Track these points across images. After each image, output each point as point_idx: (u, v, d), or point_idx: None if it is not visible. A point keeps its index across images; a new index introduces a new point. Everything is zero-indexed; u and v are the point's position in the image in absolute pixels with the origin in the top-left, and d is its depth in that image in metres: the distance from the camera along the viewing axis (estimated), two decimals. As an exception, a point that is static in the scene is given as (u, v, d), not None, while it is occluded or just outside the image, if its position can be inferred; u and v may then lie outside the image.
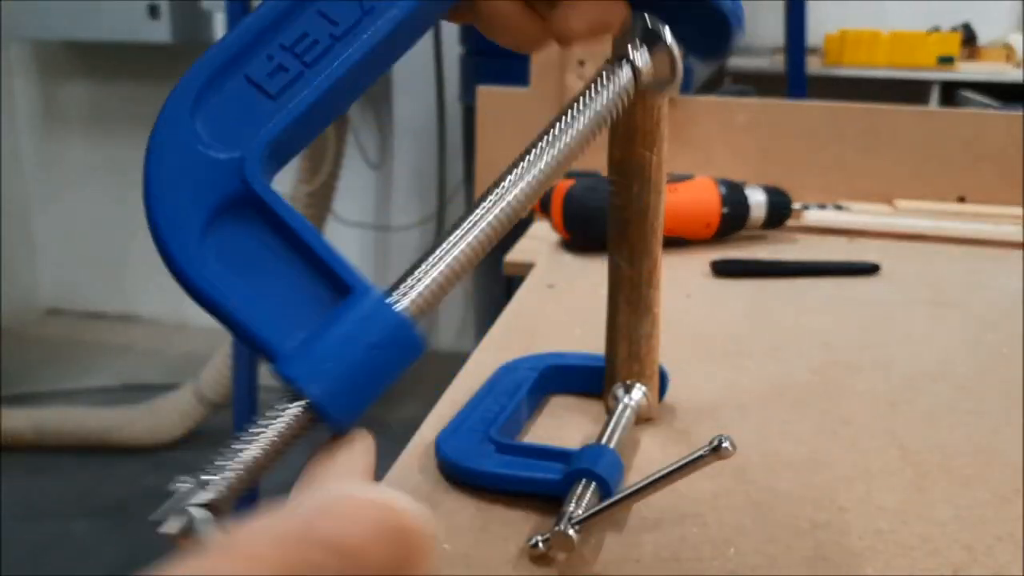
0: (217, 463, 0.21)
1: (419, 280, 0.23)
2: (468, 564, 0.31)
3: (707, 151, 0.90)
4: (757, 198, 0.74)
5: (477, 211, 0.24)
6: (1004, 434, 0.42)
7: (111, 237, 2.55)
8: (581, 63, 0.87)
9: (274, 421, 0.21)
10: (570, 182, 0.71)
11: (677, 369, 0.47)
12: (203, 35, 2.31)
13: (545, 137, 0.24)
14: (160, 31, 2.10)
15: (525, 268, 0.69)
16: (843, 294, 0.63)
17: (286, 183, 1.92)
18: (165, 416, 1.90)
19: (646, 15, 0.25)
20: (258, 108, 0.23)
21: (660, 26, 0.25)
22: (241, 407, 1.78)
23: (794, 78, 1.85)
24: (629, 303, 0.40)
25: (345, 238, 2.31)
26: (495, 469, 0.35)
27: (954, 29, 2.18)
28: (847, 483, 0.37)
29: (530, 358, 0.46)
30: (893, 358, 0.51)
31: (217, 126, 0.23)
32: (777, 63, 2.14)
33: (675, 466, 0.31)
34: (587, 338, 0.53)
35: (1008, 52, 2.16)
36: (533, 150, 0.24)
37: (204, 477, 0.21)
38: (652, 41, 0.26)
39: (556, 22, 0.26)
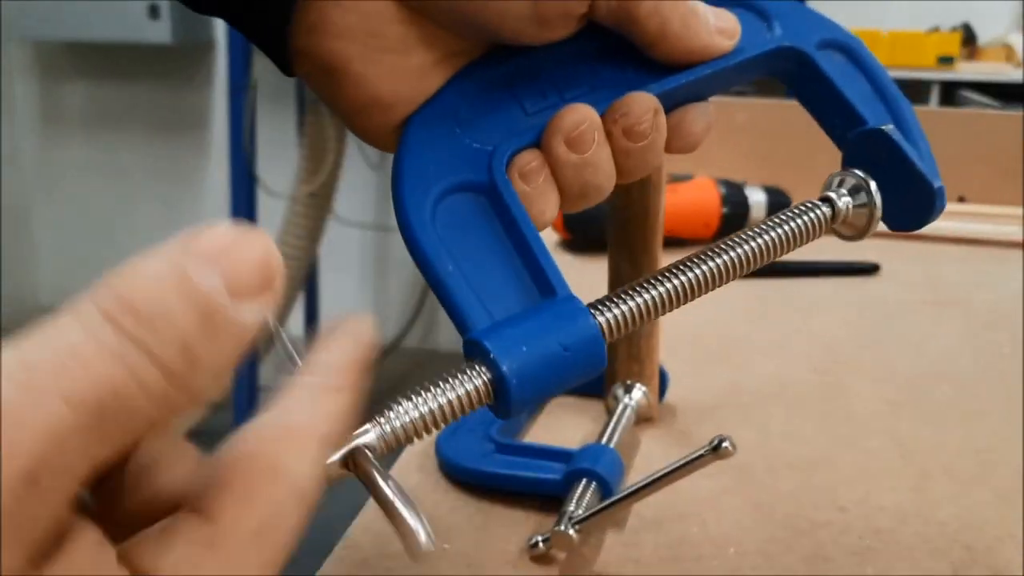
0: (384, 415, 0.21)
1: (618, 303, 0.24)
2: (468, 563, 0.31)
3: (707, 151, 0.90)
4: (757, 198, 0.74)
5: (686, 264, 0.25)
6: (1004, 434, 0.42)
7: (111, 237, 2.55)
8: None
9: (452, 388, 0.22)
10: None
11: (677, 369, 0.47)
12: (203, 35, 2.31)
13: (738, 236, 0.26)
14: (160, 31, 2.10)
15: (525, 268, 0.69)
16: (843, 294, 0.63)
17: (287, 183, 1.92)
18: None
19: (860, 172, 0.27)
20: (515, 121, 0.27)
21: (870, 183, 0.27)
22: (241, 407, 1.78)
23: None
24: (629, 303, 0.40)
25: (345, 238, 2.31)
26: (495, 469, 0.35)
27: (954, 29, 2.18)
28: (847, 483, 0.37)
29: (530, 358, 0.46)
30: (893, 358, 0.51)
31: (477, 123, 0.26)
32: (777, 63, 2.14)
33: (675, 466, 0.31)
34: (587, 338, 0.53)
35: (1008, 52, 2.16)
36: (728, 244, 0.26)
37: (367, 426, 0.21)
38: (858, 193, 0.27)
39: (679, 131, 0.27)
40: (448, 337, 2.48)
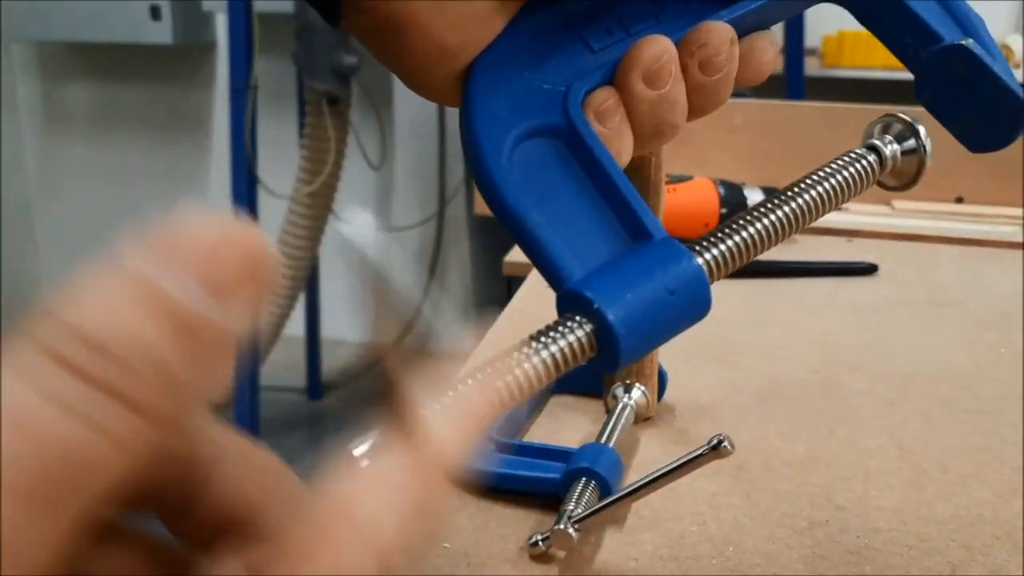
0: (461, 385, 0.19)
1: (719, 243, 0.23)
2: (468, 563, 0.32)
3: (706, 152, 0.90)
4: (756, 199, 0.74)
5: (774, 203, 0.24)
6: (1002, 433, 0.42)
7: (113, 238, 2.55)
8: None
9: (550, 344, 0.20)
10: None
11: (676, 369, 0.48)
12: (204, 36, 2.31)
13: (792, 189, 0.25)
14: (162, 32, 2.10)
15: (525, 268, 0.69)
16: (841, 294, 0.64)
17: (287, 183, 1.92)
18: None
19: (906, 116, 0.26)
20: (582, 59, 0.25)
21: (920, 129, 0.25)
22: (241, 407, 1.78)
23: (792, 79, 1.85)
24: (628, 303, 0.40)
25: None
26: (495, 468, 0.36)
27: (954, 30, 2.18)
28: (845, 482, 0.37)
29: (530, 358, 0.46)
30: (891, 358, 0.52)
31: (544, 64, 0.25)
32: (776, 64, 2.14)
33: (674, 465, 0.31)
34: (587, 338, 0.53)
35: (1007, 53, 2.16)
36: (795, 191, 0.25)
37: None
38: (906, 140, 0.26)
39: (749, 60, 0.26)
40: (448, 337, 2.48)
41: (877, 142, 0.26)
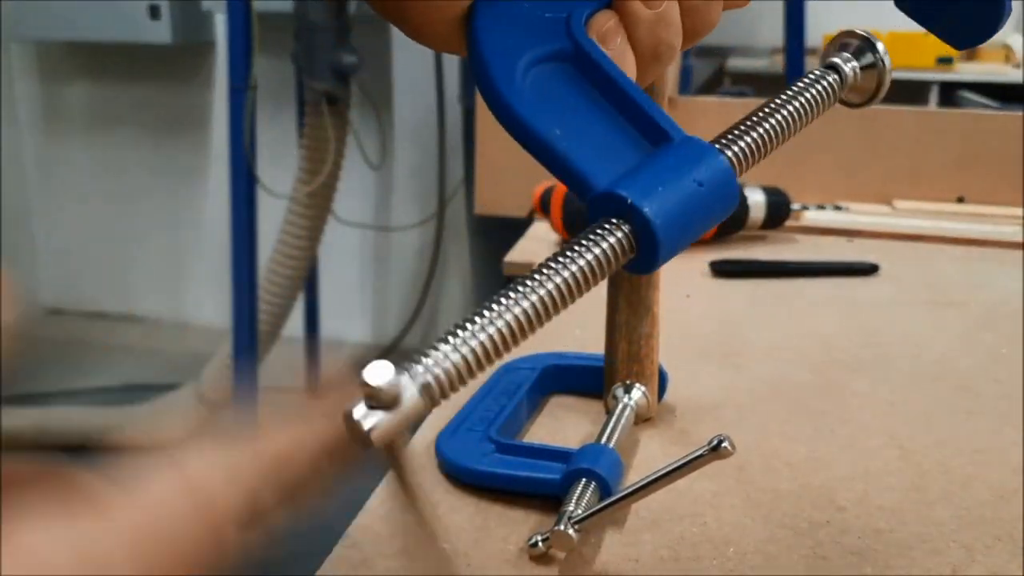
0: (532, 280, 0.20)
1: (740, 137, 0.24)
2: (468, 563, 0.31)
3: (707, 151, 0.90)
4: (756, 198, 0.74)
5: (786, 95, 0.25)
6: (1003, 434, 0.42)
7: (112, 238, 2.55)
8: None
9: (589, 249, 0.21)
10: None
11: (676, 369, 0.48)
12: (203, 36, 2.31)
13: (767, 106, 0.26)
14: (161, 32, 2.10)
15: (525, 268, 0.69)
16: (842, 294, 0.63)
17: (286, 183, 1.92)
18: (166, 416, 1.90)
19: (863, 31, 0.26)
20: None
21: (877, 44, 0.26)
22: (240, 407, 1.77)
23: (793, 79, 1.84)
24: (629, 303, 0.40)
25: (345, 238, 2.31)
26: (495, 469, 0.36)
27: (953, 30, 2.18)
28: (846, 482, 0.37)
29: (530, 358, 0.46)
30: (892, 358, 0.52)
31: None
32: (776, 64, 2.14)
33: (674, 466, 0.31)
34: (587, 338, 0.53)
35: (1007, 53, 2.16)
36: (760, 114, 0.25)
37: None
38: (863, 55, 0.26)
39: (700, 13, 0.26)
40: (448, 337, 2.47)
41: (836, 59, 0.26)
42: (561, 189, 0.71)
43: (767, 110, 0.25)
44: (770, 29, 2.27)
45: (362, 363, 0.19)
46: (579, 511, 0.32)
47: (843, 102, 0.27)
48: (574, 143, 0.23)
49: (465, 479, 0.36)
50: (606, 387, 0.42)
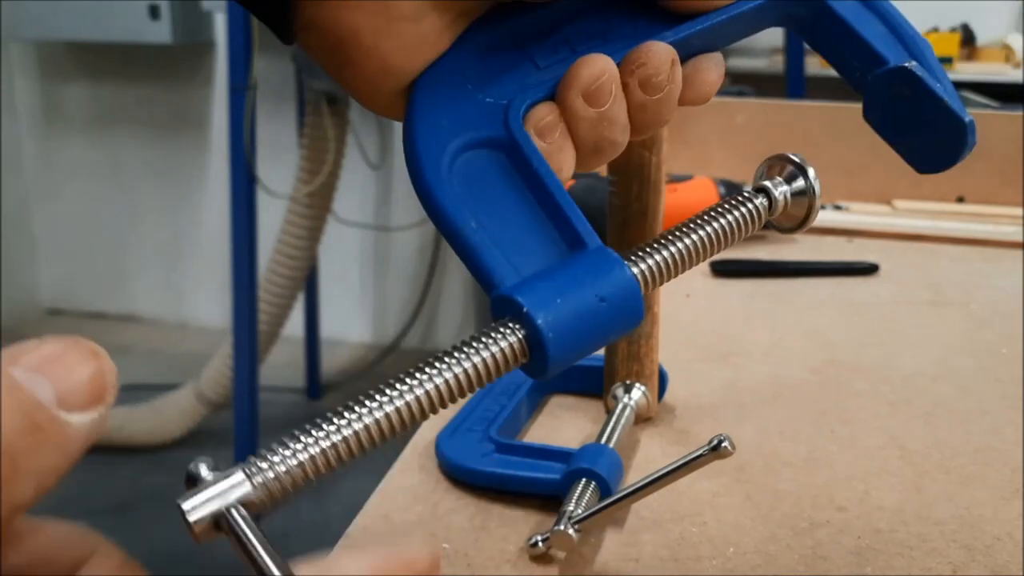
0: (409, 373, 0.20)
1: (652, 254, 0.24)
2: (468, 563, 0.31)
3: (706, 152, 0.90)
4: (756, 198, 0.74)
5: (710, 215, 0.25)
6: (1003, 434, 0.42)
7: (112, 237, 2.55)
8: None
9: (482, 349, 0.21)
10: (569, 182, 0.71)
11: (676, 369, 0.48)
12: (203, 36, 2.31)
13: (685, 227, 0.25)
14: (161, 32, 2.10)
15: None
16: (842, 294, 0.63)
17: (286, 183, 1.92)
18: (166, 416, 1.90)
19: (797, 157, 0.26)
20: (526, 75, 0.26)
21: (808, 169, 0.26)
22: (241, 407, 1.78)
23: (793, 79, 1.85)
24: (629, 303, 0.40)
25: (345, 238, 2.31)
26: (495, 469, 0.36)
27: (953, 30, 2.18)
28: (846, 483, 0.37)
29: (530, 358, 0.46)
30: (892, 358, 0.52)
31: (488, 79, 0.26)
32: (776, 64, 2.14)
33: (674, 466, 0.31)
34: (587, 338, 0.53)
35: (1007, 53, 2.16)
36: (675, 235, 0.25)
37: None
38: (795, 180, 0.26)
39: (693, 82, 0.26)
40: (448, 337, 2.47)
41: (767, 183, 0.26)
42: (561, 189, 0.71)
43: (688, 228, 0.24)
44: (769, 30, 2.27)
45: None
46: (579, 511, 0.32)
47: (772, 225, 0.27)
48: (487, 237, 0.23)
49: (465, 479, 0.36)
50: (606, 387, 0.42)
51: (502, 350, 0.21)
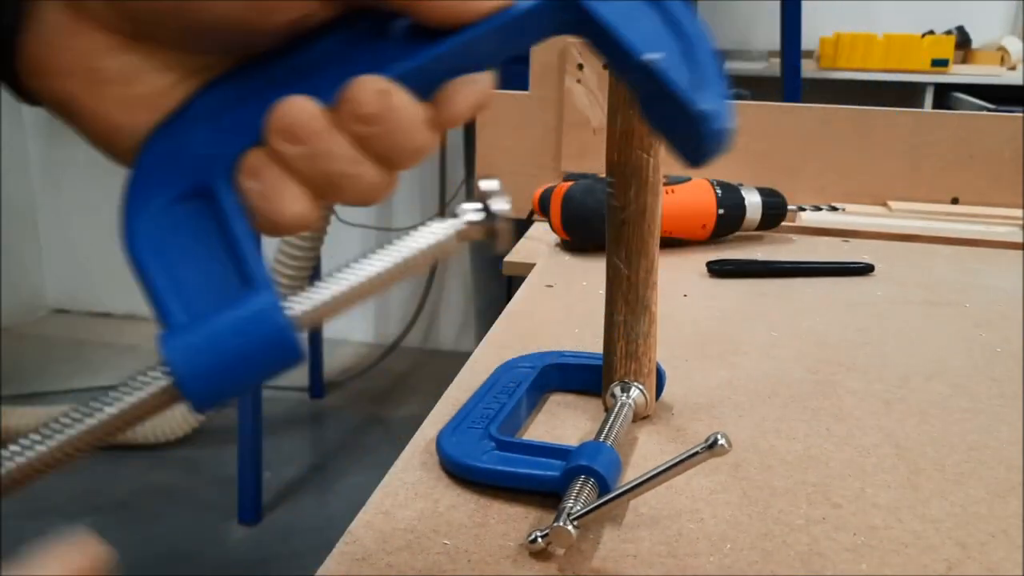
0: (57, 420, 0.22)
1: (317, 293, 0.25)
2: (468, 559, 0.32)
3: (704, 153, 0.90)
4: (753, 199, 0.74)
5: (389, 248, 0.26)
6: (997, 431, 0.42)
7: (117, 238, 2.55)
8: (580, 67, 0.88)
9: (136, 389, 0.23)
10: (569, 184, 0.72)
11: (674, 367, 0.48)
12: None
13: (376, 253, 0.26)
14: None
15: (525, 268, 0.69)
16: (838, 294, 0.64)
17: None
18: (169, 414, 1.90)
19: (487, 181, 0.27)
20: (242, 124, 0.26)
21: (493, 192, 0.26)
22: (244, 405, 1.78)
23: (789, 81, 1.85)
24: (627, 302, 0.41)
25: (347, 239, 2.31)
26: (495, 466, 0.36)
27: (948, 32, 2.18)
28: (841, 480, 0.38)
29: (529, 357, 0.47)
30: (887, 357, 0.52)
31: (212, 130, 0.26)
32: (773, 66, 2.14)
33: (672, 463, 0.31)
34: (585, 337, 0.53)
35: (1003, 55, 2.17)
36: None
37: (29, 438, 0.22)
38: (483, 203, 0.26)
39: (443, 106, 0.26)
40: (449, 336, 2.48)
41: (459, 209, 0.26)
42: (560, 190, 0.71)
43: (365, 266, 0.25)
44: (766, 32, 2.28)
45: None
46: (578, 507, 0.32)
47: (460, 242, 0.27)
48: (170, 282, 0.25)
49: (465, 476, 0.36)
50: (604, 385, 0.42)
51: (152, 391, 0.23)
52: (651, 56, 0.25)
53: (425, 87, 0.26)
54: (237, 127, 0.26)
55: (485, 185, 0.26)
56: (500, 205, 0.26)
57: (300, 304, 0.24)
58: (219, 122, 0.26)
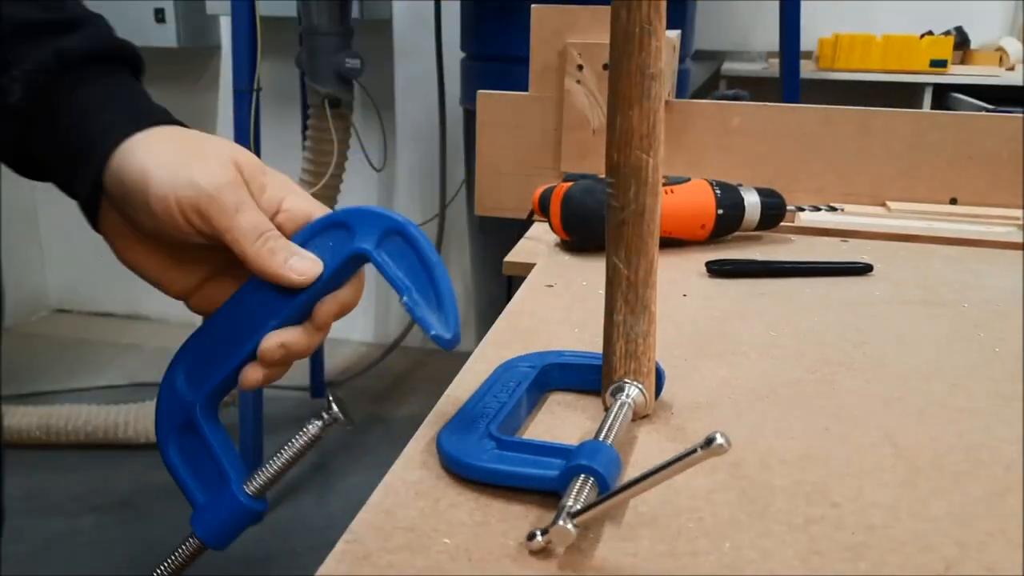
0: None
1: (265, 473, 0.40)
2: (469, 558, 0.32)
3: (702, 154, 0.91)
4: (752, 200, 0.75)
5: (293, 442, 0.41)
6: (995, 431, 0.43)
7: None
8: (580, 68, 0.88)
9: (180, 548, 0.41)
10: (569, 184, 0.72)
11: (673, 367, 0.48)
12: (208, 39, 2.31)
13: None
14: (166, 35, 2.10)
15: (525, 268, 0.70)
16: (837, 294, 0.64)
17: (287, 185, 1.92)
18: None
19: (336, 399, 0.41)
20: (198, 378, 0.42)
21: (338, 407, 0.40)
22: (244, 406, 1.78)
23: (788, 82, 1.86)
24: (626, 302, 0.41)
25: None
26: (495, 465, 0.36)
27: (947, 33, 2.18)
28: (840, 479, 0.38)
29: (529, 356, 0.47)
30: (886, 356, 0.52)
31: (190, 376, 0.42)
32: (772, 67, 2.15)
33: (671, 462, 0.31)
34: (585, 336, 0.54)
35: (1001, 55, 2.17)
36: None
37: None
38: (326, 415, 0.41)
39: (317, 319, 0.39)
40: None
41: (324, 413, 0.42)
42: (560, 190, 0.72)
43: (286, 451, 0.41)
44: (765, 33, 2.28)
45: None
46: (578, 506, 0.32)
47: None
48: (190, 478, 0.41)
49: (466, 475, 0.37)
50: (604, 385, 0.43)
51: (191, 548, 0.41)
52: (403, 299, 0.37)
53: (305, 312, 0.40)
54: (200, 379, 0.41)
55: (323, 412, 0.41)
56: (335, 414, 0.40)
57: (254, 482, 0.40)
58: (192, 375, 0.41)
